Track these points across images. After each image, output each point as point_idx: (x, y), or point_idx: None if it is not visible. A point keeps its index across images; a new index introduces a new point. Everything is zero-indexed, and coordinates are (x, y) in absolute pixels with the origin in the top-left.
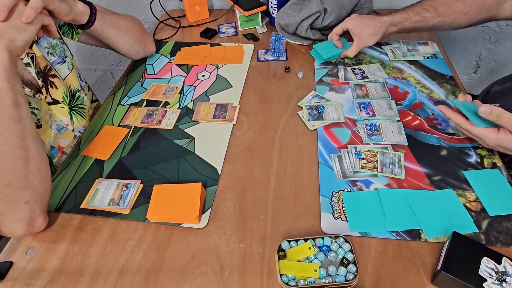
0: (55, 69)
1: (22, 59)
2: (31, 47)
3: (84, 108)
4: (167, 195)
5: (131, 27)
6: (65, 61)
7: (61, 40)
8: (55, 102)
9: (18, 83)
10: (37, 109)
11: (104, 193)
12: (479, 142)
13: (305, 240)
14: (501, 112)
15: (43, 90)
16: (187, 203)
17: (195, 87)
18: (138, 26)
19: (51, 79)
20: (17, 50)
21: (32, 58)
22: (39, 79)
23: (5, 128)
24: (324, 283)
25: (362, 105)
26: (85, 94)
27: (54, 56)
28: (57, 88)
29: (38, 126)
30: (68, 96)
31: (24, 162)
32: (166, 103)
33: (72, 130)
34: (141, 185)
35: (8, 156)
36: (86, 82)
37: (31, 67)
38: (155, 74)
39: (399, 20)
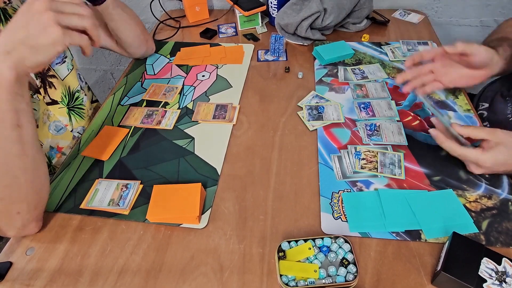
0: (53, 70)
1: None
2: None
3: (83, 109)
4: (166, 195)
5: (136, 18)
6: (64, 62)
7: None
8: (53, 102)
9: (22, 103)
10: (35, 109)
11: (104, 193)
12: (474, 170)
13: (305, 240)
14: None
15: (41, 90)
16: (187, 203)
17: (195, 87)
18: (140, 21)
19: (50, 80)
20: (25, 71)
21: None
22: (37, 79)
23: (1, 148)
24: (324, 283)
25: (362, 105)
26: (85, 95)
27: None
28: (55, 88)
29: None
30: (67, 97)
31: (18, 181)
32: (166, 103)
33: (71, 131)
34: (141, 186)
35: (3, 176)
36: (86, 83)
37: None
38: (155, 74)
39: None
